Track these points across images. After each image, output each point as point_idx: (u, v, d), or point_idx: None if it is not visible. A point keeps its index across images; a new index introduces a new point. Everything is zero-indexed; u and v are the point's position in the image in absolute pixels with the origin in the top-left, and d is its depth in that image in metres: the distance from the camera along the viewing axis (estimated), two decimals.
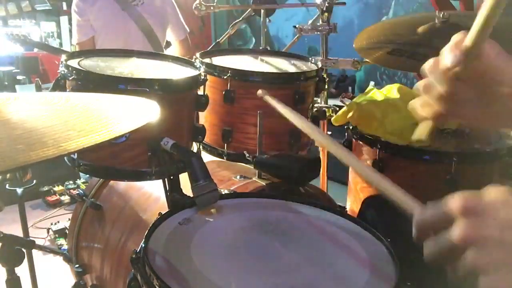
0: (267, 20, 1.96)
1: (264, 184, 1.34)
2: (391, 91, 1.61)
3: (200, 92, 1.32)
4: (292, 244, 0.91)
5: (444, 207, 0.54)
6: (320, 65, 1.58)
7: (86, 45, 2.53)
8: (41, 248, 1.82)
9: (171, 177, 1.16)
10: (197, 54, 1.50)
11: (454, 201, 0.53)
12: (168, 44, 2.80)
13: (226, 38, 2.26)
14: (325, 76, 1.60)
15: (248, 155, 1.38)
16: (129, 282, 0.83)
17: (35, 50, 5.01)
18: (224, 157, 1.46)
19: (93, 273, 1.53)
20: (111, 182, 1.58)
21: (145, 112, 0.76)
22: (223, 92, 1.39)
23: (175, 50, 2.78)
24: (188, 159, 1.05)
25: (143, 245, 0.84)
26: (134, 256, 0.83)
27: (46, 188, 3.62)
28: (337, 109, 1.70)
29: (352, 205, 1.65)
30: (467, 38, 0.65)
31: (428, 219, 0.56)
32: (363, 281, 0.80)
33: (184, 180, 1.09)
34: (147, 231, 0.89)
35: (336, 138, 1.98)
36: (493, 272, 0.49)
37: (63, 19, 5.91)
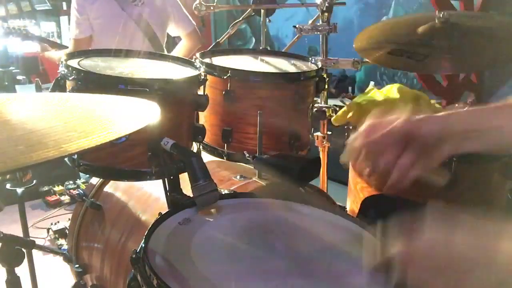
0: (267, 20, 1.96)
1: (264, 184, 1.34)
2: (391, 91, 1.61)
3: (200, 92, 1.32)
4: (292, 244, 0.91)
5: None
6: (320, 65, 1.58)
7: (83, 42, 2.52)
8: (41, 248, 1.82)
9: (171, 177, 1.16)
10: (197, 54, 1.50)
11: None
12: (175, 41, 2.79)
13: (226, 38, 2.26)
14: (325, 76, 1.60)
15: (248, 155, 1.38)
16: (129, 282, 0.83)
17: (36, 50, 5.00)
18: (224, 157, 1.46)
19: (93, 273, 1.53)
20: (111, 182, 1.58)
21: (145, 113, 0.76)
22: (223, 92, 1.39)
23: (184, 44, 2.76)
24: (188, 159, 1.05)
25: (143, 245, 0.84)
26: (134, 256, 0.83)
27: (46, 188, 3.62)
28: (337, 109, 1.70)
29: (352, 205, 1.65)
30: None
31: None
32: (363, 282, 0.80)
33: (184, 180, 1.09)
34: (147, 231, 0.89)
35: (336, 138, 1.99)
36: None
37: (63, 19, 5.90)
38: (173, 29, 2.71)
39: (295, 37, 2.13)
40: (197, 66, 1.37)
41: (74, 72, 1.16)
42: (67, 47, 2.79)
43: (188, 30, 2.73)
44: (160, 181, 1.19)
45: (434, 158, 0.74)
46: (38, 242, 1.95)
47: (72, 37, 2.58)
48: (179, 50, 2.71)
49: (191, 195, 1.02)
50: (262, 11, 1.93)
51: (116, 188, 1.56)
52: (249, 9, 2.07)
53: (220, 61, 1.54)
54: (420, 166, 0.73)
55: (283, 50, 2.13)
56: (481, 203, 1.45)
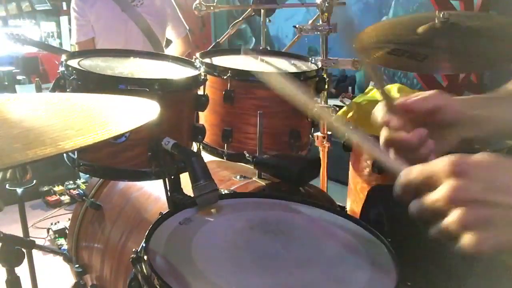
0: (267, 20, 1.96)
1: (264, 184, 1.34)
2: (391, 91, 1.61)
3: (200, 92, 1.32)
4: (292, 244, 0.91)
5: (431, 167, 0.56)
6: (320, 65, 1.58)
7: (86, 45, 2.53)
8: (41, 248, 1.83)
9: (172, 177, 1.16)
10: (197, 54, 1.50)
11: (442, 162, 0.55)
12: (168, 42, 2.80)
13: (226, 38, 2.26)
14: (325, 76, 1.60)
15: (248, 155, 1.38)
16: (129, 282, 0.83)
17: (36, 50, 5.01)
18: (224, 157, 1.46)
19: (93, 273, 1.53)
20: (111, 182, 1.58)
21: (145, 112, 0.76)
22: (223, 92, 1.39)
23: (176, 48, 2.77)
24: (188, 159, 1.05)
25: (143, 245, 0.84)
26: (134, 256, 0.83)
27: (46, 188, 3.62)
28: (337, 109, 1.70)
29: (352, 205, 1.65)
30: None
31: (414, 179, 0.58)
32: (363, 282, 0.80)
33: (185, 180, 1.09)
34: (147, 231, 0.89)
35: (336, 138, 1.98)
36: (477, 230, 0.52)
37: (63, 19, 5.91)
38: (168, 31, 2.71)
39: (295, 37, 2.13)
40: (197, 66, 1.37)
41: (74, 72, 1.16)
42: (67, 51, 2.80)
43: (182, 34, 2.75)
44: (160, 181, 1.19)
45: (448, 142, 0.75)
46: (38, 242, 1.95)
47: (74, 42, 2.59)
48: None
49: (192, 195, 1.02)
50: (262, 11, 1.93)
51: (116, 188, 1.56)
52: (249, 9, 2.07)
53: (220, 61, 1.54)
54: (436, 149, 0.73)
55: (283, 50, 2.13)
56: None
